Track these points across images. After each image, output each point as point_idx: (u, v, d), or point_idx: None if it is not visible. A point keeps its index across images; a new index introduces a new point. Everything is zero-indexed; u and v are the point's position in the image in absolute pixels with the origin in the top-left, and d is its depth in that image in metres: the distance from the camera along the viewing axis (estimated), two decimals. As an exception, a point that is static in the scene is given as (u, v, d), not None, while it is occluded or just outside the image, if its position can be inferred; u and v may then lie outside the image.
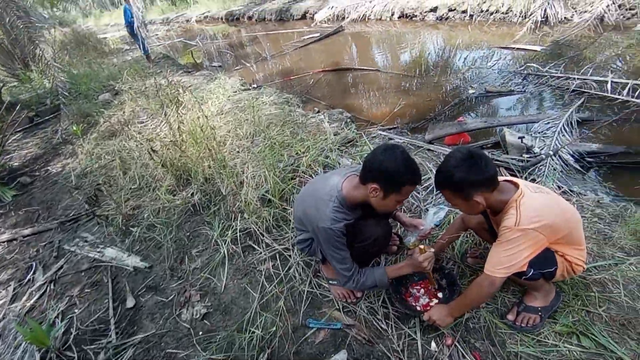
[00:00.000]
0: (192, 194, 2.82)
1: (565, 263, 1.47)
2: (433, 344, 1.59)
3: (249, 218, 2.40)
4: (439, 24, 8.23)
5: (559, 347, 1.49)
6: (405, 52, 6.95)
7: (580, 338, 1.51)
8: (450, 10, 8.04)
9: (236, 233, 2.34)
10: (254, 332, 1.77)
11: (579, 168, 2.64)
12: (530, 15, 6.45)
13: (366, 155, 1.52)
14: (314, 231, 1.62)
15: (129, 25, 8.31)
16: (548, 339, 1.53)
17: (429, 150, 3.04)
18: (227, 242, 2.31)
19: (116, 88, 6.28)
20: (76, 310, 2.17)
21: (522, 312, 1.60)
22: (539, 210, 1.35)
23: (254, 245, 2.31)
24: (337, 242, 1.57)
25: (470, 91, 4.39)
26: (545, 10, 6.25)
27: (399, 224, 2.14)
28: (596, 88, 3.71)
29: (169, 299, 2.11)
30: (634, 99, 3.37)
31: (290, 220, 2.38)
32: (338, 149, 3.15)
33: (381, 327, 1.71)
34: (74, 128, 4.46)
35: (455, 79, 5.08)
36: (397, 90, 5.11)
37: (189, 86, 5.25)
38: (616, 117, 3.23)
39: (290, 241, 2.26)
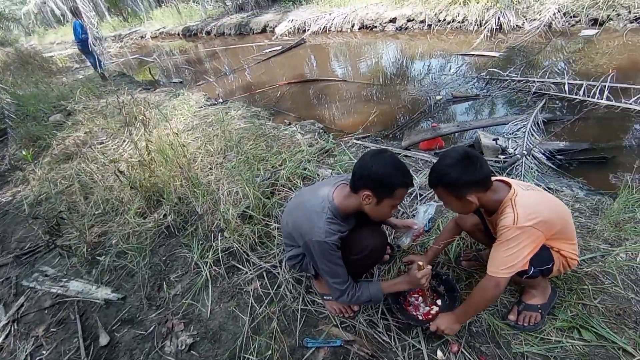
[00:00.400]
0: (165, 215, 2.64)
1: (561, 258, 1.48)
2: (439, 353, 1.53)
3: (230, 237, 2.26)
4: (398, 34, 8.46)
5: (563, 342, 1.49)
6: (369, 62, 7.06)
7: (581, 332, 1.52)
8: (409, 20, 8.29)
9: (218, 253, 2.20)
10: (248, 359, 1.64)
11: (551, 165, 2.74)
12: (485, 23, 6.76)
13: (355, 163, 1.47)
14: (305, 245, 1.53)
15: (81, 41, 7.85)
16: (551, 336, 1.52)
17: (406, 156, 3.05)
18: (208, 264, 2.16)
19: (68, 108, 5.89)
20: (44, 352, 1.94)
21: (523, 312, 1.60)
22: (534, 207, 1.36)
23: (238, 265, 2.18)
24: (331, 255, 1.49)
25: (438, 97, 4.49)
26: (498, 18, 6.60)
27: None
28: (555, 89, 3.91)
29: (149, 331, 1.92)
30: (589, 98, 3.57)
31: (275, 236, 2.28)
32: (316, 160, 3.09)
33: (383, 340, 1.63)
34: (24, 153, 4.11)
35: (420, 86, 5.17)
36: (365, 99, 5.15)
37: (151, 103, 5.02)
38: (577, 116, 3.42)
39: (277, 257, 2.15)
